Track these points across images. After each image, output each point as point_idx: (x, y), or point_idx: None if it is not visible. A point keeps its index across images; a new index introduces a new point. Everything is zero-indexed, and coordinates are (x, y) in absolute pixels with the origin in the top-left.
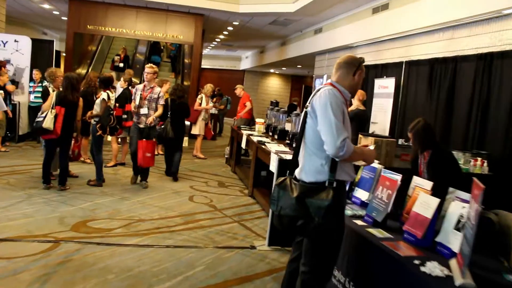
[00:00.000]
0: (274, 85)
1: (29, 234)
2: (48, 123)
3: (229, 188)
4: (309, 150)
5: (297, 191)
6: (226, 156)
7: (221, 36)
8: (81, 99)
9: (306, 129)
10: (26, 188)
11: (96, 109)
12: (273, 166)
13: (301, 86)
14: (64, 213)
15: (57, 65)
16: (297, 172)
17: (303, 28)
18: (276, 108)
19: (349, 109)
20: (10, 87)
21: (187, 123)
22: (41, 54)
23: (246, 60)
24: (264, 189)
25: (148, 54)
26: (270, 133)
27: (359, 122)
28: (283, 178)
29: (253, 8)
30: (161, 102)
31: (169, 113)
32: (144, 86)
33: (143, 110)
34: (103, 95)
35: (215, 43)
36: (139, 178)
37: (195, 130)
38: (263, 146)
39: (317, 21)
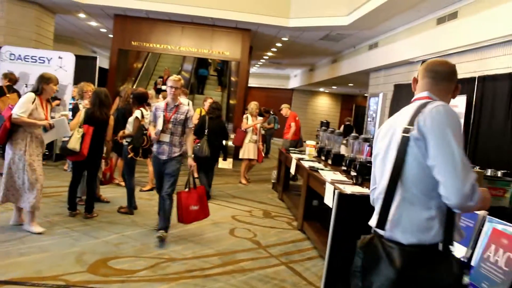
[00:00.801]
0: (324, 105)
1: (37, 276)
2: (73, 144)
3: (275, 219)
4: (409, 194)
5: (398, 261)
6: (273, 181)
7: (269, 53)
8: (112, 117)
9: (406, 163)
10: (50, 214)
11: (129, 128)
12: (329, 199)
13: (351, 105)
14: (85, 248)
15: (103, 82)
16: (378, 223)
17: (357, 43)
18: (330, 129)
19: None
20: (54, 102)
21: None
22: (85, 71)
23: (294, 79)
24: (316, 223)
25: (195, 68)
26: (323, 158)
27: None
28: (368, 237)
29: (304, 22)
30: (190, 125)
31: (206, 131)
32: (167, 104)
33: (165, 137)
34: (136, 113)
35: (263, 60)
36: None
37: (242, 154)
38: (316, 174)
39: (373, 35)
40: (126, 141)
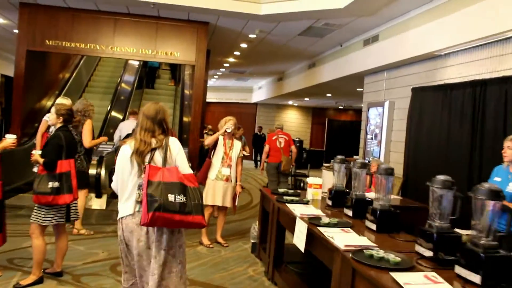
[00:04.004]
0: (293, 119)
1: None
2: None
3: None
4: None
5: None
6: (253, 241)
7: (231, 59)
8: None
9: None
10: None
11: None
12: None
13: (323, 120)
14: None
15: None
16: None
17: (346, 39)
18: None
19: None
20: None
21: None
22: None
23: (259, 91)
24: None
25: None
26: (330, 202)
27: None
28: None
29: (281, 7)
30: None
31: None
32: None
33: None
34: None
35: (223, 70)
36: None
37: (205, 196)
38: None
39: (372, 24)
40: None
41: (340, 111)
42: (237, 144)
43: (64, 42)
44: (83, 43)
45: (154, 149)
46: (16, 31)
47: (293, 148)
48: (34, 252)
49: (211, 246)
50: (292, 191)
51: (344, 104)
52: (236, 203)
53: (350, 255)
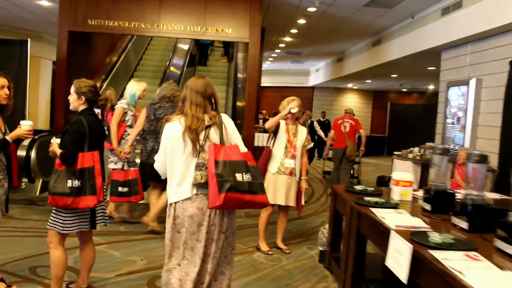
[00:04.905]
0: (352, 104)
1: None
2: None
3: None
4: None
5: None
6: (321, 248)
7: (287, 38)
8: None
9: None
10: None
11: None
12: None
13: (385, 104)
14: None
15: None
16: None
17: (420, 9)
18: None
19: None
20: None
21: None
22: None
23: (316, 74)
24: None
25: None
26: (427, 207)
27: None
28: None
29: None
30: None
31: None
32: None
33: None
34: None
35: (278, 51)
36: None
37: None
38: None
39: None
40: None
41: (403, 94)
42: (302, 131)
43: (107, 21)
44: (127, 22)
45: (208, 126)
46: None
47: (362, 131)
48: (52, 265)
49: (270, 252)
50: (372, 189)
51: (409, 86)
52: (303, 202)
53: None
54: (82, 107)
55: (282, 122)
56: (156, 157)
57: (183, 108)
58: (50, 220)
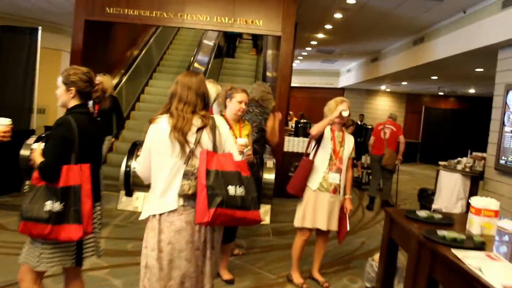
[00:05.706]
0: (384, 107)
1: None
2: None
3: None
4: None
5: None
6: (368, 285)
7: (320, 35)
8: None
9: None
10: None
11: None
12: None
13: (419, 108)
14: None
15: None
16: None
17: (474, 2)
18: None
19: None
20: None
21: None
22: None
23: (347, 75)
24: None
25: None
26: None
27: None
28: None
29: None
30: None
31: None
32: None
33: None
34: None
35: (309, 49)
36: None
37: (300, 216)
38: None
39: None
40: None
41: (438, 98)
42: (350, 139)
43: (126, 10)
44: (148, 11)
45: (200, 129)
46: None
47: (401, 138)
48: None
49: (304, 286)
50: (439, 216)
51: (447, 89)
52: (348, 228)
53: None
54: (72, 103)
55: (327, 128)
56: (138, 160)
57: (169, 105)
58: (23, 252)
